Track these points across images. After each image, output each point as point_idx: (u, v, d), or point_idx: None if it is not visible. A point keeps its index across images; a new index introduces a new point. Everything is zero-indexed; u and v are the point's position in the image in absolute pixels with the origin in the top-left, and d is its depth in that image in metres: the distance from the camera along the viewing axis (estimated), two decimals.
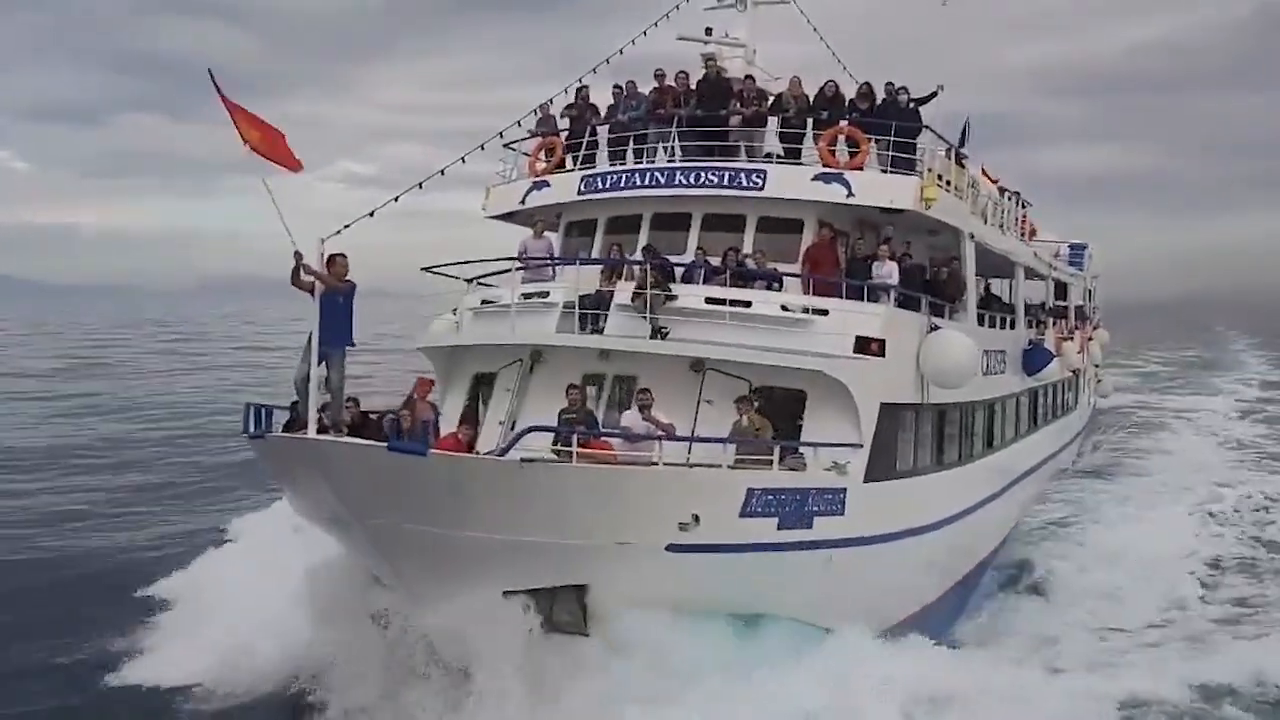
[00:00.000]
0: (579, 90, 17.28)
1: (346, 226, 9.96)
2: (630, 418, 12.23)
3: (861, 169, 14.81)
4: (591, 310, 14.41)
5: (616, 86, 16.93)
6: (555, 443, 11.09)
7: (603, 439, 11.77)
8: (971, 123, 19.38)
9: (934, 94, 15.85)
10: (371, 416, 12.33)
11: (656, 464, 11.21)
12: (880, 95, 15.59)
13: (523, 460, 10.07)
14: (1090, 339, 29.49)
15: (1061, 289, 29.18)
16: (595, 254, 15.87)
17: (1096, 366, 31.87)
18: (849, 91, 15.96)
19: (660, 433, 11.57)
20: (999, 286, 25.39)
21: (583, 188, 16.14)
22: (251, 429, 10.91)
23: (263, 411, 11.06)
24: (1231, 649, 14.67)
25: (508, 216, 17.62)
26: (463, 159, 15.00)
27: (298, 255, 9.60)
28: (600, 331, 14.14)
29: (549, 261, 15.88)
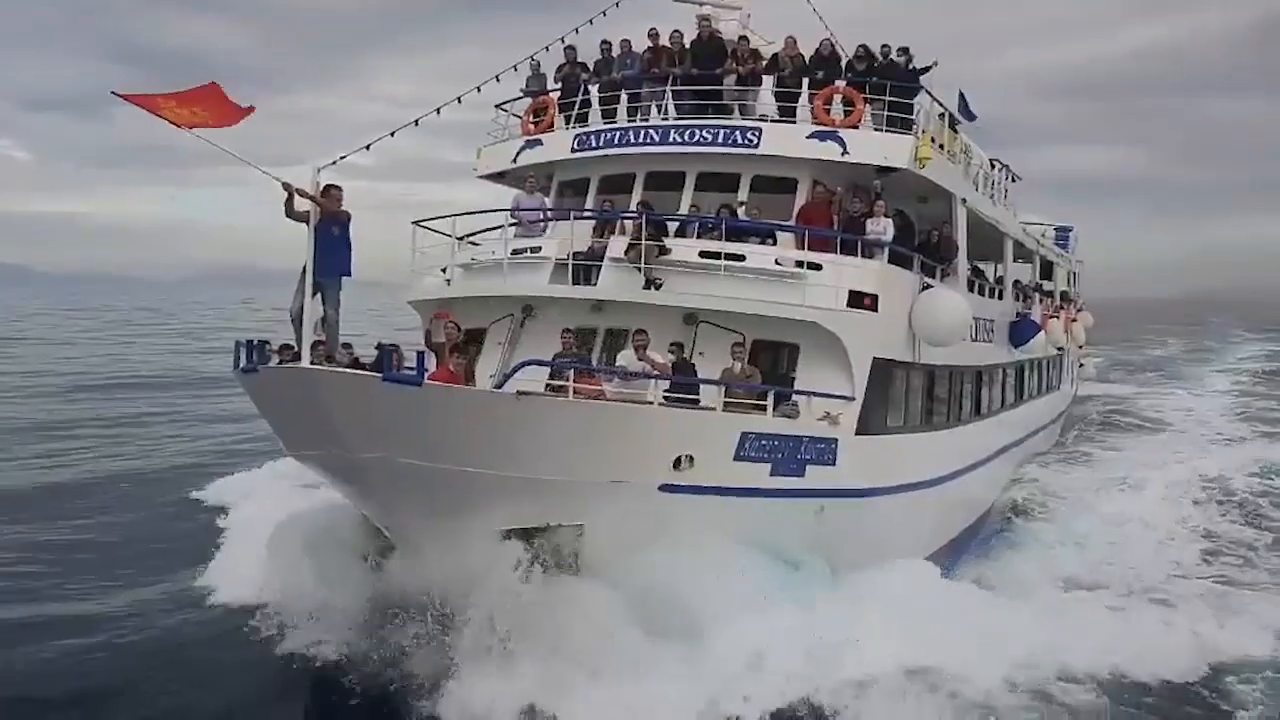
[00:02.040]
0: (566, 49, 17.16)
1: (343, 157, 9.86)
2: (626, 357, 12.20)
3: (856, 128, 14.81)
4: (584, 264, 14.36)
5: (605, 42, 16.83)
6: (550, 378, 11.05)
7: (596, 377, 11.72)
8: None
9: (930, 67, 15.87)
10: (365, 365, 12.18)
11: (652, 403, 11.19)
12: (878, 58, 15.55)
13: (519, 393, 10.02)
14: (1074, 320, 29.68)
15: (1047, 268, 29.40)
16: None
17: (1080, 347, 32.18)
18: (844, 53, 15.96)
19: (656, 372, 11.55)
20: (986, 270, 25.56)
21: (576, 145, 16.06)
22: (244, 364, 10.70)
23: (253, 345, 10.82)
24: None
25: (498, 176, 17.51)
26: (456, 100, 14.49)
27: (287, 186, 9.42)
28: (593, 285, 14.08)
29: (542, 215, 15.64)
